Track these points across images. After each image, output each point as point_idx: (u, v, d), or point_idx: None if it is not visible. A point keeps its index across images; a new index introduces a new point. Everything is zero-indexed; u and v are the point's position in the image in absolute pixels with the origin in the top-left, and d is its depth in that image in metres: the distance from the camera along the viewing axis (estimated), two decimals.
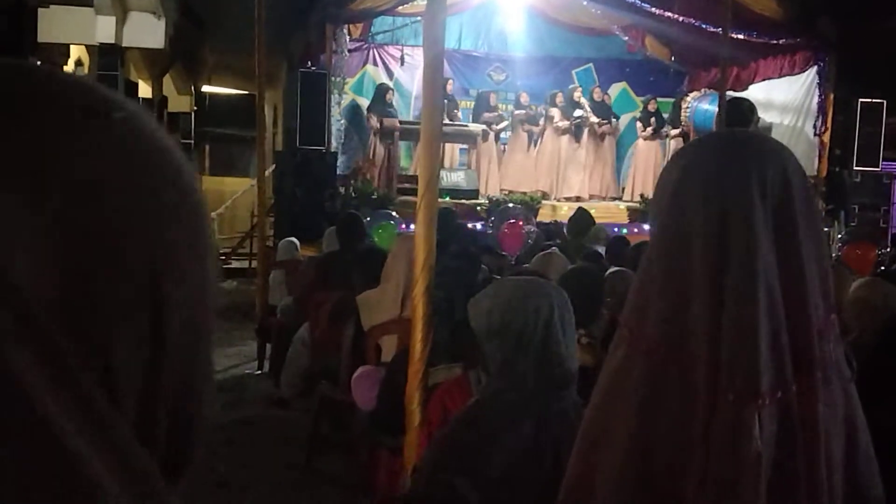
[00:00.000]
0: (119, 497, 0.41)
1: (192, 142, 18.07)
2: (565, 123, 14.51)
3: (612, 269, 4.35)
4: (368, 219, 9.31)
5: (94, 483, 0.40)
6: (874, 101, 12.02)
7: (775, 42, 12.45)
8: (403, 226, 9.94)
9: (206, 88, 20.31)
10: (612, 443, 1.35)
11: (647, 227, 12.42)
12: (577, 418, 2.30)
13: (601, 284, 3.53)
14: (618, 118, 15.38)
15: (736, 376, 1.25)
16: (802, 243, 1.31)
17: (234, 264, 13.90)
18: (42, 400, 0.40)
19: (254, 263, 10.37)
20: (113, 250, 0.46)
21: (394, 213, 10.42)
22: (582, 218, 9.68)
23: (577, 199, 14.09)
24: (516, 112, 14.87)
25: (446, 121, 12.69)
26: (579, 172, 14.67)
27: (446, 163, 13.44)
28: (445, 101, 13.21)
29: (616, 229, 11.37)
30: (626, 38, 16.00)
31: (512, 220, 10.05)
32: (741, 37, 11.56)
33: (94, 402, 0.43)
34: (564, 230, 9.74)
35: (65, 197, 0.44)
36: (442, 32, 3.33)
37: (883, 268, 6.94)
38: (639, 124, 15.18)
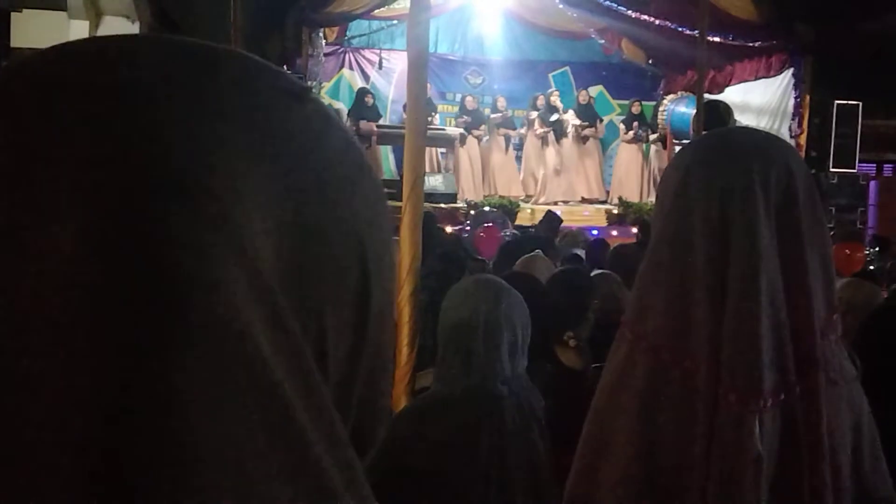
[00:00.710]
0: (333, 476, 0.41)
1: None
2: (544, 129, 14.53)
3: (596, 271, 4.35)
4: None
5: (317, 459, 0.41)
6: (850, 102, 12.09)
7: (751, 44, 12.52)
8: None
9: None
10: (616, 442, 1.35)
11: (625, 229, 12.43)
12: (520, 425, 2.26)
13: (588, 286, 3.51)
14: (601, 121, 15.41)
15: (737, 377, 1.25)
16: (805, 242, 1.31)
17: None
18: (276, 370, 0.40)
19: None
20: (332, 226, 0.47)
21: None
22: (551, 220, 9.73)
23: (558, 203, 14.08)
24: (493, 116, 14.87)
25: None
26: (562, 176, 14.67)
27: (426, 167, 13.41)
28: None
29: (595, 232, 11.37)
30: (603, 41, 16.05)
31: (488, 224, 10.03)
32: (717, 39, 11.61)
33: (314, 378, 0.43)
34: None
35: (291, 174, 0.45)
36: (426, 33, 3.30)
37: (872, 267, 6.99)
38: (622, 126, 15.20)
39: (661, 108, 14.85)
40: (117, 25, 11.51)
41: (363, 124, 13.71)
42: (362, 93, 14.54)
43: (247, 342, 0.40)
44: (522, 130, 14.92)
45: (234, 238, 0.41)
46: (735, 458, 1.24)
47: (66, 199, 0.39)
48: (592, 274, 4.16)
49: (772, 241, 1.29)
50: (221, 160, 0.42)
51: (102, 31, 11.35)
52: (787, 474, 1.27)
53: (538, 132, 14.58)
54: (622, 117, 15.53)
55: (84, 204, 0.39)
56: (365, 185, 0.51)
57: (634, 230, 10.61)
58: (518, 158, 15.06)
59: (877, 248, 7.83)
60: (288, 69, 12.85)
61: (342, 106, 14.96)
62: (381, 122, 14.41)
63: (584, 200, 14.72)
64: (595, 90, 16.46)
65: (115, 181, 0.39)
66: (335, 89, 15.71)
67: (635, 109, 15.16)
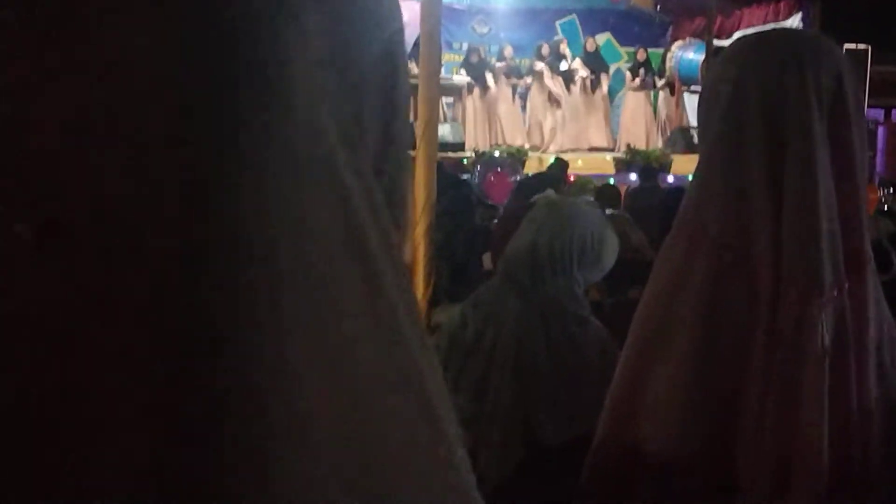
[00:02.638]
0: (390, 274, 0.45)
1: None
2: (556, 79, 14.36)
3: (609, 211, 4.39)
4: None
5: (376, 254, 0.44)
6: (859, 47, 12.02)
7: None
8: None
9: None
10: (672, 340, 1.36)
11: (633, 177, 12.39)
12: (553, 352, 2.30)
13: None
14: (608, 69, 15.24)
15: (798, 274, 1.28)
16: (854, 144, 1.34)
17: None
18: (339, 157, 0.44)
19: None
20: (367, 18, 0.50)
21: None
22: (561, 164, 9.77)
23: (567, 151, 14.00)
24: (498, 65, 14.72)
25: None
26: (570, 125, 14.56)
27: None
28: None
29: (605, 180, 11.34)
30: None
31: (498, 170, 10.02)
32: None
33: (367, 161, 0.46)
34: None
35: None
36: None
37: (886, 208, 7.10)
38: (628, 74, 15.05)
39: (669, 55, 14.73)
40: None
41: None
42: None
43: (318, 129, 0.42)
44: (529, 80, 14.79)
45: (293, 12, 0.43)
46: (800, 354, 1.26)
47: None
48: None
49: (823, 143, 1.31)
50: None
51: None
52: (836, 370, 1.29)
53: (554, 88, 14.41)
54: (629, 65, 15.40)
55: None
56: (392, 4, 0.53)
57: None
58: (523, 108, 14.94)
59: (891, 190, 7.90)
60: None
61: None
62: None
63: (592, 149, 14.61)
64: (602, 38, 16.27)
65: None
66: None
67: (641, 56, 14.95)
